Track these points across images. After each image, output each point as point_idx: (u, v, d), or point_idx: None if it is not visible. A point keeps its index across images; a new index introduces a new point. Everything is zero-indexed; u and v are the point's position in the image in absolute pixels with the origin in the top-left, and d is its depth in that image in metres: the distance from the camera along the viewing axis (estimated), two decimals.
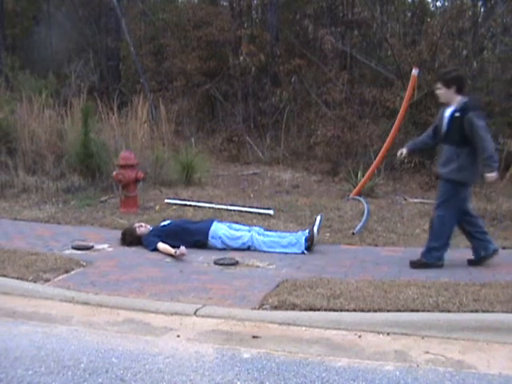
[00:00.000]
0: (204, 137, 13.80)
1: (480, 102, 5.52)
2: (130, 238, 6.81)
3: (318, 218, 6.62)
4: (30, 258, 5.85)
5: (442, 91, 5.63)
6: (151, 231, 6.78)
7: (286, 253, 6.38)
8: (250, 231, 6.65)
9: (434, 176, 10.58)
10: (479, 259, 5.80)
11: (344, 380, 3.44)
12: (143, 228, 6.84)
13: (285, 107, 13.26)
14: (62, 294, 4.99)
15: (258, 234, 6.62)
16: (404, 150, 6.10)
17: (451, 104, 5.58)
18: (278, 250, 6.44)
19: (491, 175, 5.38)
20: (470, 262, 5.83)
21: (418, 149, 6.29)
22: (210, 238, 6.62)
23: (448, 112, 5.59)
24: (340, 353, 3.85)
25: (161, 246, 6.44)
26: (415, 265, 5.76)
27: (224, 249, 6.55)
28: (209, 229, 6.66)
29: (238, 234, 6.63)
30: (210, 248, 6.58)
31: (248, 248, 6.52)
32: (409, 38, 13.55)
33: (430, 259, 5.73)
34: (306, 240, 6.43)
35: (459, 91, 5.53)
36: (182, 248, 6.17)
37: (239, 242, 6.55)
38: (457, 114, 5.46)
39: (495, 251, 5.77)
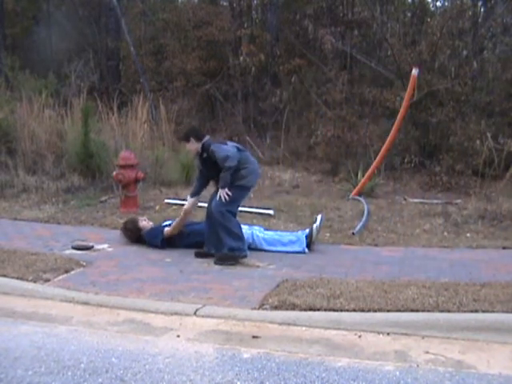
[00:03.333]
0: None
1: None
2: (130, 226, 6.84)
3: (319, 218, 6.62)
4: (29, 258, 5.85)
5: (188, 147, 6.40)
6: (153, 230, 6.77)
7: (287, 251, 6.37)
8: (250, 229, 6.65)
9: (433, 176, 10.59)
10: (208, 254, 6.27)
11: (344, 380, 3.44)
12: (145, 222, 6.84)
13: (285, 107, 13.26)
14: (61, 294, 4.99)
15: (259, 232, 6.62)
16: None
17: (200, 151, 6.26)
18: (278, 249, 6.43)
19: (222, 190, 6.02)
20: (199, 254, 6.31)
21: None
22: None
23: (200, 158, 6.33)
24: (340, 353, 3.85)
25: (167, 230, 6.53)
26: (221, 259, 6.03)
27: None
28: None
29: None
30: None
31: (249, 246, 6.50)
32: (409, 38, 13.54)
33: (235, 253, 6.05)
34: (307, 237, 6.42)
35: (198, 139, 6.23)
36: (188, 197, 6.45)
37: None
38: (204, 155, 6.21)
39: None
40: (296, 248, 6.42)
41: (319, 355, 3.81)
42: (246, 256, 6.07)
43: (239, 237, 6.11)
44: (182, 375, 3.50)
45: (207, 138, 6.31)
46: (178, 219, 6.54)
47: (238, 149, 6.27)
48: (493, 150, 9.31)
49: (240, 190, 6.16)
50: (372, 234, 7.15)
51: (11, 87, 13.48)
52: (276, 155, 12.64)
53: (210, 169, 6.25)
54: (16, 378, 3.46)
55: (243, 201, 6.54)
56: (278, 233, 6.76)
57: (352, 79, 13.67)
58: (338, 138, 11.73)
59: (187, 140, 6.31)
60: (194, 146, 6.27)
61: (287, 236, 6.58)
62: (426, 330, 4.11)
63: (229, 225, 6.09)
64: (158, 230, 6.72)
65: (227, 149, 6.16)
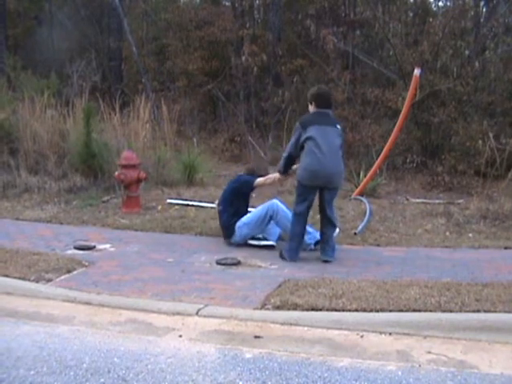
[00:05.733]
0: (206, 137, 13.80)
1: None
2: (255, 166, 7.07)
3: (337, 230, 6.60)
4: (32, 258, 5.86)
5: (309, 107, 6.28)
6: (247, 176, 6.86)
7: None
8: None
9: (435, 176, 10.59)
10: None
11: (346, 380, 3.44)
12: (263, 181, 6.75)
13: (287, 107, 13.23)
14: (64, 293, 5.00)
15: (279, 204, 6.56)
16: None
17: None
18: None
19: None
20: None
21: None
22: (236, 227, 6.62)
23: None
24: (342, 353, 3.85)
25: (259, 180, 6.62)
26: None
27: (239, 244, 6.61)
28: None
29: (258, 211, 6.62)
30: (232, 237, 6.65)
31: (270, 219, 6.50)
32: (411, 37, 13.53)
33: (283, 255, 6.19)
34: (316, 243, 6.39)
35: (317, 107, 6.14)
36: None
37: (263, 220, 6.54)
38: None
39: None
40: (306, 239, 6.38)
41: (321, 355, 3.81)
42: (293, 261, 6.02)
43: (290, 241, 6.13)
44: (184, 375, 3.50)
45: (323, 110, 6.14)
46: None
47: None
48: (495, 150, 9.28)
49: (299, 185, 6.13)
50: (374, 234, 7.14)
51: (13, 87, 13.50)
52: (278, 155, 12.58)
53: None
54: (18, 377, 3.47)
55: (307, 198, 6.09)
56: None
57: (354, 79, 13.67)
58: None
59: (310, 102, 6.24)
60: (312, 110, 6.21)
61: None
62: (428, 330, 4.10)
63: (291, 226, 6.15)
64: (251, 179, 6.74)
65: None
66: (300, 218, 6.08)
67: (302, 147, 5.97)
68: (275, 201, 6.55)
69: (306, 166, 5.92)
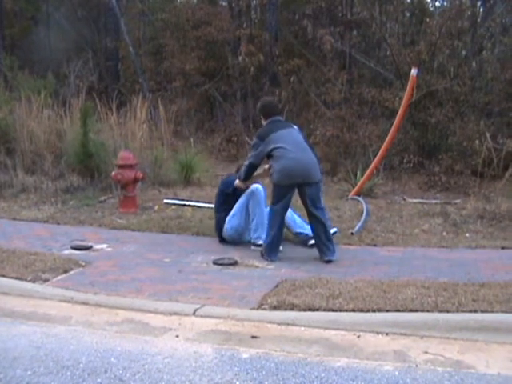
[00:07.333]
0: (203, 137, 13.78)
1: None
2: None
3: (334, 229, 6.65)
4: (28, 258, 5.85)
5: (262, 122, 6.50)
6: (229, 178, 7.02)
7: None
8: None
9: (432, 176, 10.60)
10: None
11: (343, 380, 3.44)
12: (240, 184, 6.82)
13: (284, 107, 13.22)
14: (60, 293, 4.99)
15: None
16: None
17: None
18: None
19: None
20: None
21: None
22: (226, 221, 6.71)
23: None
24: (339, 353, 3.85)
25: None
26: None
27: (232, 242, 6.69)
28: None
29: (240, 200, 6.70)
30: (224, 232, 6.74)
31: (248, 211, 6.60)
32: (408, 38, 13.54)
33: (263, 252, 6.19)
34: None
35: (267, 117, 6.37)
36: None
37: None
38: None
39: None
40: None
41: (318, 355, 3.81)
42: (270, 261, 6.01)
43: (267, 240, 6.13)
44: (181, 375, 3.50)
45: (272, 118, 6.32)
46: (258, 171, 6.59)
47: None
48: (492, 150, 9.28)
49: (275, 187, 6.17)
50: (371, 234, 7.14)
51: (10, 87, 13.47)
52: None
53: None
54: (15, 377, 3.46)
55: (284, 196, 6.09)
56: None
57: (351, 79, 13.67)
58: (337, 138, 11.71)
59: (259, 116, 6.53)
60: (263, 122, 6.43)
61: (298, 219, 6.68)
62: (425, 330, 4.11)
63: (268, 224, 6.18)
64: (232, 179, 6.84)
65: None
66: (277, 216, 6.10)
67: (270, 156, 6.10)
68: (255, 185, 6.61)
69: (281, 168, 5.98)
